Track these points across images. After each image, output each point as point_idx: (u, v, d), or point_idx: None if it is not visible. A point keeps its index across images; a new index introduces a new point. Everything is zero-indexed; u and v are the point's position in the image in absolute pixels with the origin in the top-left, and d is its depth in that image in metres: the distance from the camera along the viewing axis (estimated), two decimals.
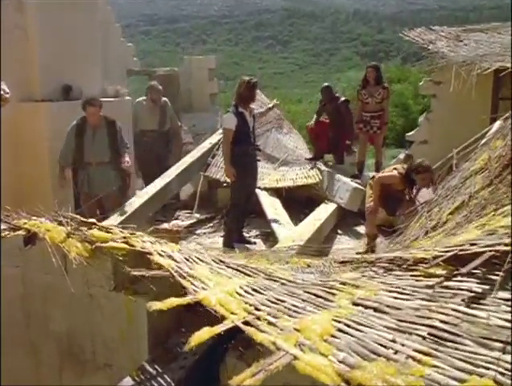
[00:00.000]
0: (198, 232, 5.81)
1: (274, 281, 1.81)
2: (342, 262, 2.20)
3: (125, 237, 2.09)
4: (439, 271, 1.66)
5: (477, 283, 1.49)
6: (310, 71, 78.00)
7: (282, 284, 1.77)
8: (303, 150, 7.73)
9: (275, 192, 6.10)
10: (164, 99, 6.55)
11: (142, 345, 2.22)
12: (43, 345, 2.57)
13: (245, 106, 5.08)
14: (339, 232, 5.69)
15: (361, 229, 5.71)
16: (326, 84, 6.89)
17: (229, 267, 1.99)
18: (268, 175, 6.40)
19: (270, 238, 5.45)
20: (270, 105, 7.62)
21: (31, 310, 2.58)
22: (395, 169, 5.08)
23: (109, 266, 2.19)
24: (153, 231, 4.46)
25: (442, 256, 1.66)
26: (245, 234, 5.65)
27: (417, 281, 1.66)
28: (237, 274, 1.90)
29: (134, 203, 4.98)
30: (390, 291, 1.59)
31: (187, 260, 1.98)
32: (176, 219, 6.37)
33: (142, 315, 2.21)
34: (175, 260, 1.90)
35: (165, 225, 5.18)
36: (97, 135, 5.00)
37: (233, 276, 1.87)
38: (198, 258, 2.04)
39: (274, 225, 4.91)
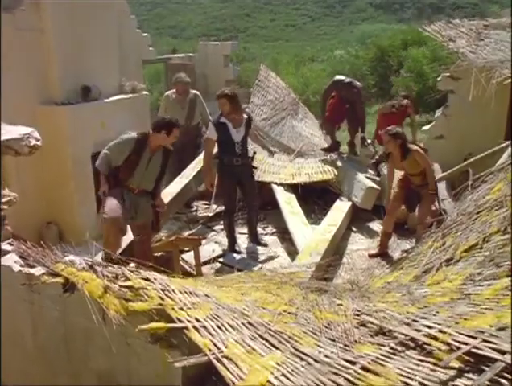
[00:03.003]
0: (216, 228, 5.98)
1: (301, 358, 1.98)
2: (361, 323, 2.36)
3: (161, 304, 2.26)
4: (453, 360, 1.82)
5: None
6: (322, 23, 75.51)
7: (308, 363, 1.95)
8: (318, 137, 7.76)
9: (291, 186, 6.21)
10: (194, 92, 6.34)
11: None
12: (84, 377, 2.81)
13: (228, 117, 4.94)
14: (353, 229, 5.83)
15: (375, 226, 5.85)
16: (337, 78, 6.72)
17: (258, 334, 2.17)
18: (284, 168, 6.49)
19: (285, 236, 5.62)
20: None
21: (72, 347, 2.80)
22: None
23: (145, 322, 2.38)
24: (175, 239, 4.68)
25: (458, 348, 1.81)
26: (262, 231, 5.83)
27: (432, 370, 1.83)
28: (266, 346, 2.08)
29: None
30: (407, 384, 1.76)
31: (220, 328, 2.16)
32: (195, 211, 6.55)
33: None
34: (210, 333, 2.07)
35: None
36: (152, 161, 4.24)
37: (263, 349, 2.04)
38: (229, 324, 2.21)
39: (293, 234, 5.07)
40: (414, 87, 17.42)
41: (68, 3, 5.30)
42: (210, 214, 6.26)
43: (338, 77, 6.77)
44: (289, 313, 2.58)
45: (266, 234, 5.80)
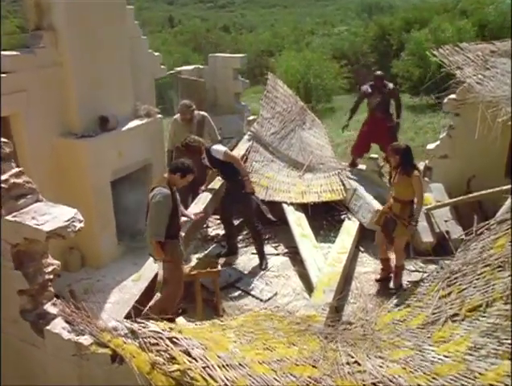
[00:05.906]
0: None
1: None
2: None
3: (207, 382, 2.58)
4: None
5: None
6: None
7: None
8: (325, 146, 7.95)
9: (301, 205, 6.46)
10: (202, 113, 6.39)
11: None
12: None
13: None
14: (361, 249, 6.12)
15: None
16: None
17: None
18: (294, 186, 6.72)
19: (297, 256, 5.91)
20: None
21: None
22: None
23: None
24: (196, 274, 4.98)
25: None
26: (273, 250, 6.13)
27: None
28: None
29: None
30: None
31: None
32: (207, 226, 6.82)
33: None
34: None
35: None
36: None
37: None
38: None
39: (305, 261, 5.37)
40: (415, 71, 17.52)
41: (84, 35, 5.40)
42: (221, 231, 6.54)
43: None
44: (314, 380, 2.91)
45: (277, 254, 6.09)
